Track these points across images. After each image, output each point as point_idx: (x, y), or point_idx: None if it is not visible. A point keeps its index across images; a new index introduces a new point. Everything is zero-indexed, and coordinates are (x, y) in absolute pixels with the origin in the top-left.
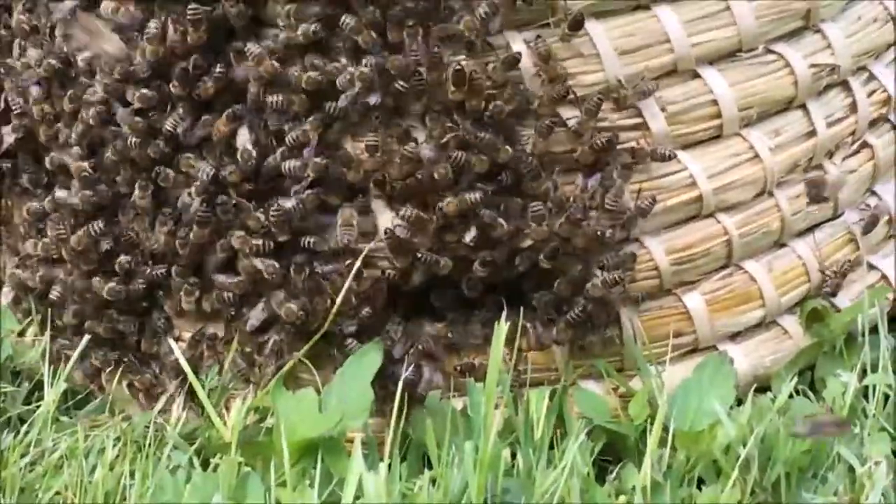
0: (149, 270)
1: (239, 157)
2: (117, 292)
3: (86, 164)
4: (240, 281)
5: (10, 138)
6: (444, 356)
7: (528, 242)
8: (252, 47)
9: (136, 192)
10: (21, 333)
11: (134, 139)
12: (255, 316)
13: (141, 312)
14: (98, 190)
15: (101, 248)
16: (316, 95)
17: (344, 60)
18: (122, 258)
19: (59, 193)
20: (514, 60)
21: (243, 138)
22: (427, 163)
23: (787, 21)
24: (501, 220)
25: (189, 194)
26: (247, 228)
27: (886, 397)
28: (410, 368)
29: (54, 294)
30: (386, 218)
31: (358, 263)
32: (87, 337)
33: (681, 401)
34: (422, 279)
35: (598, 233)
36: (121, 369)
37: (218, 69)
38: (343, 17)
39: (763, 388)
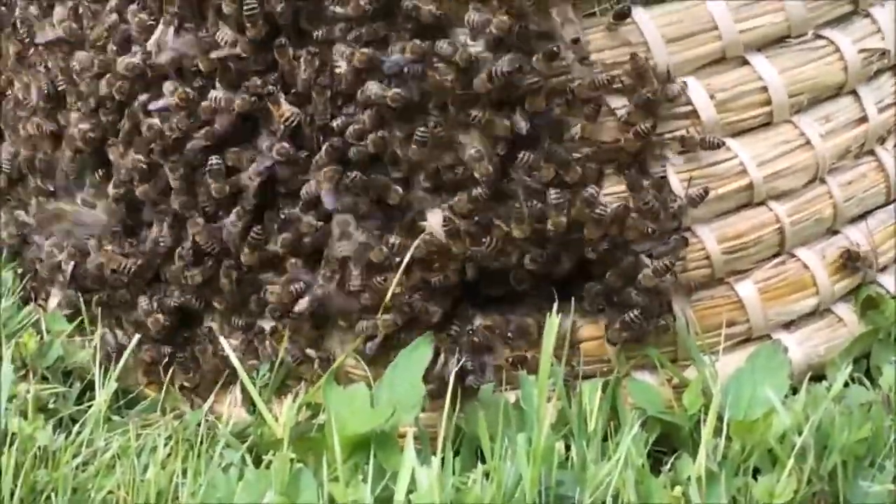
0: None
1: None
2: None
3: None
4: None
5: None
6: (497, 348)
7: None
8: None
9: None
10: (71, 334)
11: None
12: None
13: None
14: None
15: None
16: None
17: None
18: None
19: None
20: (553, 54)
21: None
22: (470, 160)
23: (835, 6)
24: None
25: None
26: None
27: None
28: (463, 360)
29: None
30: (435, 216)
31: (407, 258)
32: (137, 336)
33: (735, 390)
34: (474, 273)
35: (646, 228)
36: (172, 367)
37: None
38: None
39: (818, 376)
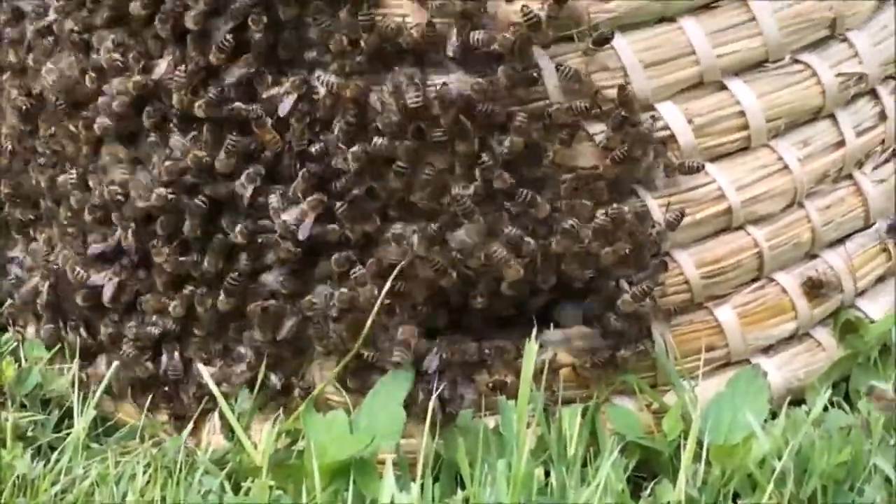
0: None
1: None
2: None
3: None
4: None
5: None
6: (477, 374)
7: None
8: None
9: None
10: (50, 361)
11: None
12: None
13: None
14: None
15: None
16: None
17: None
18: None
19: None
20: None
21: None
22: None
23: (812, 30)
24: (528, 238)
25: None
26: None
27: None
28: (443, 386)
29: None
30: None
31: (388, 284)
32: (115, 364)
33: (714, 415)
34: (456, 298)
35: (625, 251)
36: (151, 394)
37: None
38: None
39: (797, 400)
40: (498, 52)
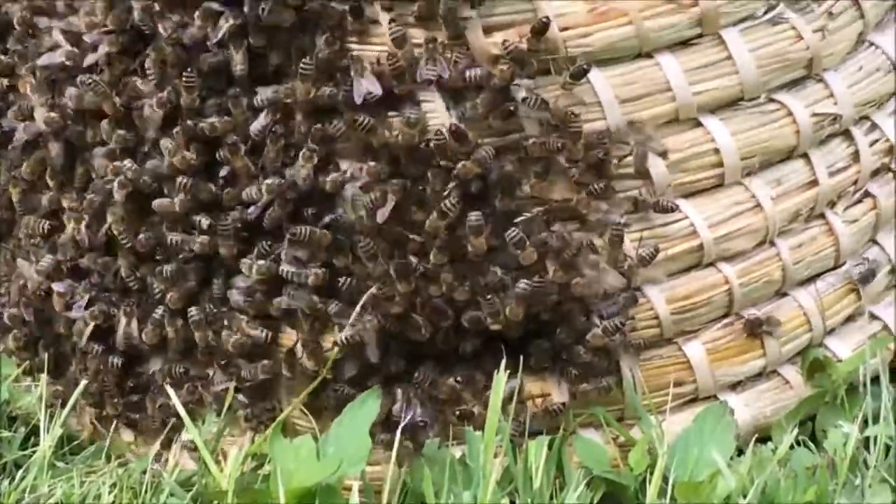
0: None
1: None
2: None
3: None
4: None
5: None
6: (444, 403)
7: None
8: None
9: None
10: (17, 378)
11: None
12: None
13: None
14: None
15: None
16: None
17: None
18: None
19: None
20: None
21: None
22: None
23: (789, 70)
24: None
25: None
26: None
27: (888, 448)
28: (410, 415)
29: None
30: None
31: (356, 311)
32: (83, 383)
33: (681, 451)
34: (428, 329)
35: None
36: (118, 414)
37: None
38: None
39: (764, 438)
40: (477, 85)
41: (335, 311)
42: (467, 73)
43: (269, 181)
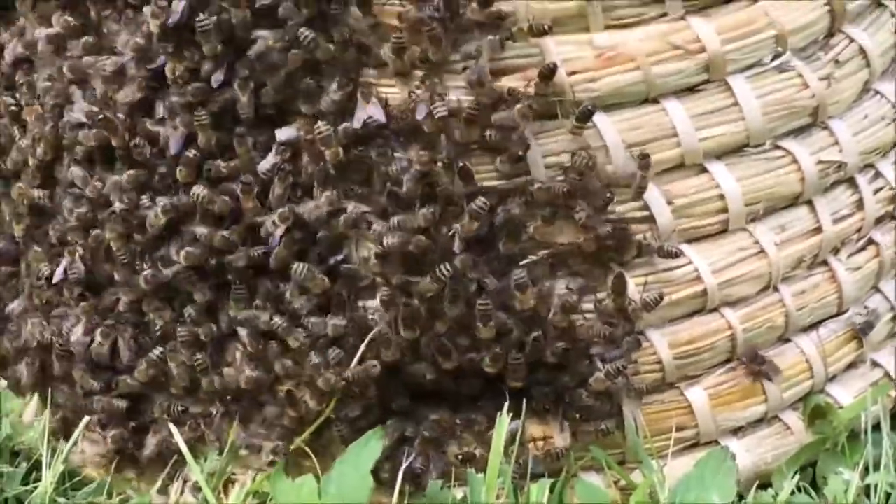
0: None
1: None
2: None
3: None
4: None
5: None
6: (447, 445)
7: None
8: None
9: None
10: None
11: None
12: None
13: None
14: None
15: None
16: None
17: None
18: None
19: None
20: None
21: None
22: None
23: (794, 117)
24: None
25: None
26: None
27: (888, 496)
28: (413, 456)
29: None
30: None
31: (360, 352)
32: (86, 418)
33: (682, 495)
34: (430, 373)
35: (602, 332)
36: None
37: None
38: None
39: (764, 484)
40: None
41: (335, 360)
42: (495, 117)
43: (282, 209)
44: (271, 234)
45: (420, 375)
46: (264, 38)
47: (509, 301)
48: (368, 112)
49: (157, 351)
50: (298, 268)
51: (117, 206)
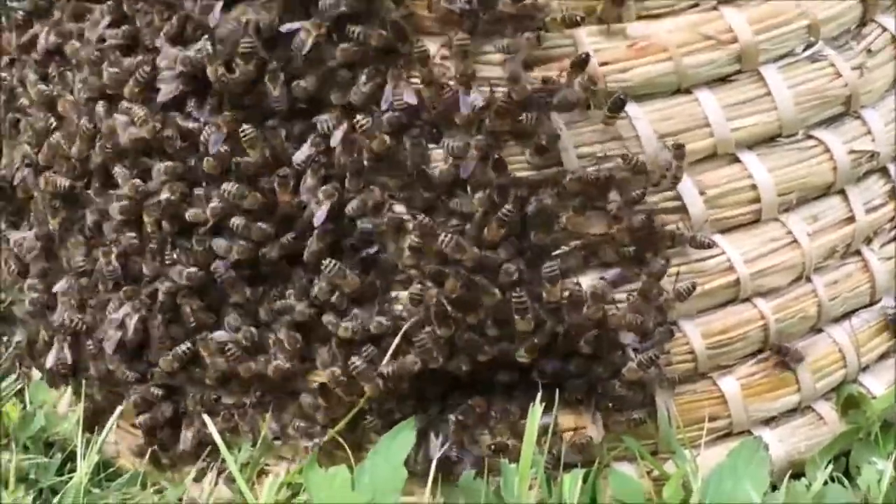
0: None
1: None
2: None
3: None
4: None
5: None
6: (480, 435)
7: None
8: None
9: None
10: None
11: None
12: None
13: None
14: None
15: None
16: None
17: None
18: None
19: None
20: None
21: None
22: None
23: (827, 107)
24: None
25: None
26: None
27: None
28: (446, 446)
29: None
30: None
31: (396, 341)
32: (120, 407)
33: (715, 485)
34: (466, 364)
35: (636, 321)
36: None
37: None
38: None
39: (797, 473)
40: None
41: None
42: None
43: (325, 187)
44: (314, 214)
45: (455, 368)
46: (307, 30)
47: (541, 292)
48: (398, 95)
49: (186, 345)
50: (329, 265)
51: (164, 196)
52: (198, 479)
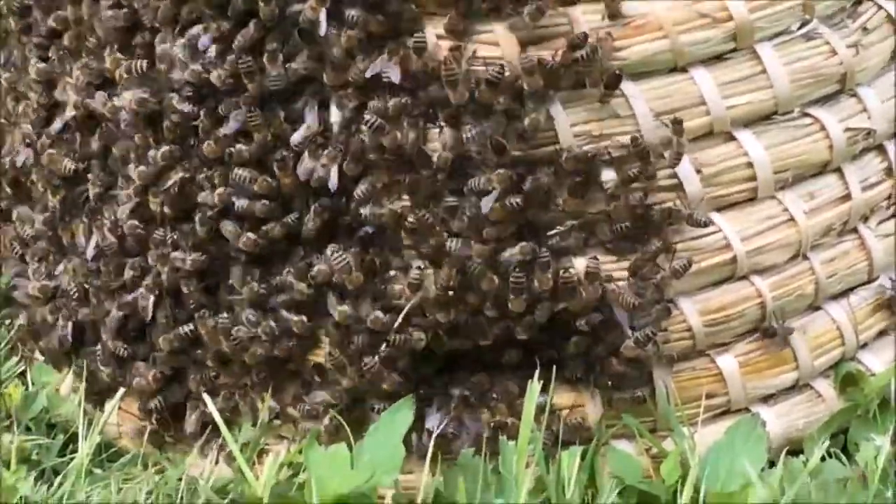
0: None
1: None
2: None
3: None
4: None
5: None
6: (479, 413)
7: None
8: None
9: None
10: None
11: None
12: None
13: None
14: None
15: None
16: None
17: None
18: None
19: None
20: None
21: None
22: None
23: (822, 85)
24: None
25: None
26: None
27: None
28: (444, 423)
29: None
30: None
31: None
32: (122, 390)
33: (712, 462)
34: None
35: (632, 300)
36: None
37: None
38: None
39: (796, 450)
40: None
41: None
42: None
43: (328, 150)
44: (322, 179)
45: (457, 346)
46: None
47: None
48: (382, 67)
49: (188, 327)
50: (337, 258)
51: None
52: (198, 458)
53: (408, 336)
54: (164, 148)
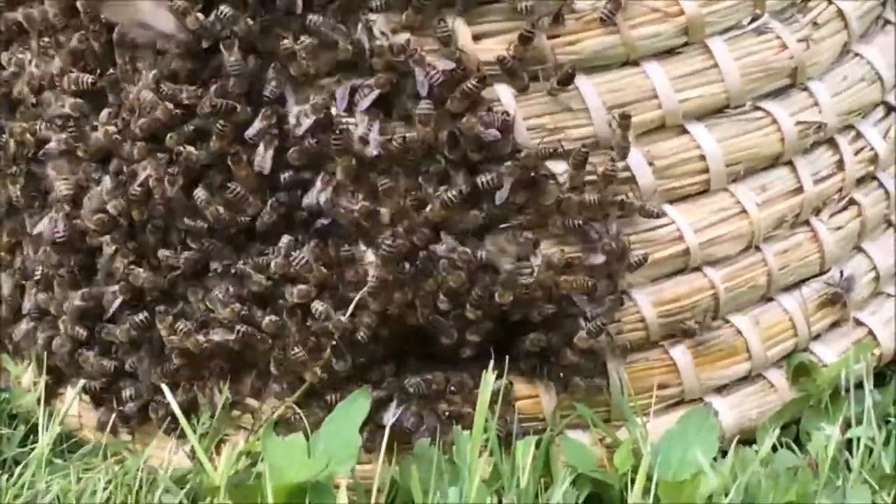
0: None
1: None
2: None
3: None
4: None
5: None
6: (435, 403)
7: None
8: None
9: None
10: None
11: None
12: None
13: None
14: None
15: None
16: None
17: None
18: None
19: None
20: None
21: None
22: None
23: (773, 79)
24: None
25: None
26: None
27: (870, 450)
28: (399, 413)
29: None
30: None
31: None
32: (81, 382)
33: (665, 451)
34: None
35: (586, 285)
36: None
37: None
38: None
39: (748, 440)
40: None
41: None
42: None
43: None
44: (295, 127)
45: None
46: None
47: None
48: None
49: (142, 315)
50: (298, 256)
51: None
52: (159, 449)
53: (358, 325)
54: None
